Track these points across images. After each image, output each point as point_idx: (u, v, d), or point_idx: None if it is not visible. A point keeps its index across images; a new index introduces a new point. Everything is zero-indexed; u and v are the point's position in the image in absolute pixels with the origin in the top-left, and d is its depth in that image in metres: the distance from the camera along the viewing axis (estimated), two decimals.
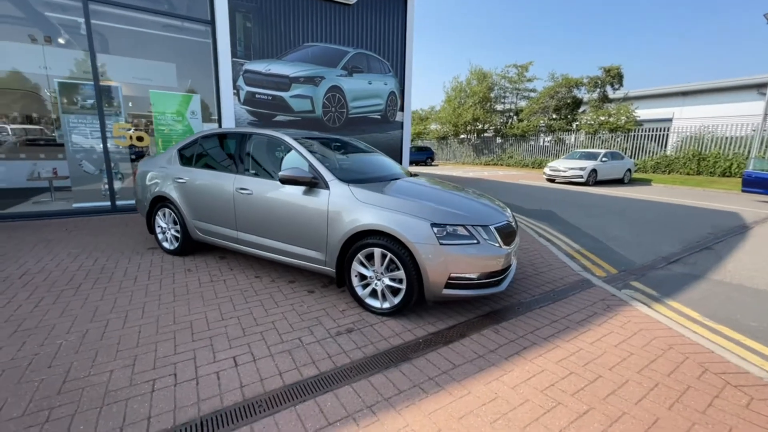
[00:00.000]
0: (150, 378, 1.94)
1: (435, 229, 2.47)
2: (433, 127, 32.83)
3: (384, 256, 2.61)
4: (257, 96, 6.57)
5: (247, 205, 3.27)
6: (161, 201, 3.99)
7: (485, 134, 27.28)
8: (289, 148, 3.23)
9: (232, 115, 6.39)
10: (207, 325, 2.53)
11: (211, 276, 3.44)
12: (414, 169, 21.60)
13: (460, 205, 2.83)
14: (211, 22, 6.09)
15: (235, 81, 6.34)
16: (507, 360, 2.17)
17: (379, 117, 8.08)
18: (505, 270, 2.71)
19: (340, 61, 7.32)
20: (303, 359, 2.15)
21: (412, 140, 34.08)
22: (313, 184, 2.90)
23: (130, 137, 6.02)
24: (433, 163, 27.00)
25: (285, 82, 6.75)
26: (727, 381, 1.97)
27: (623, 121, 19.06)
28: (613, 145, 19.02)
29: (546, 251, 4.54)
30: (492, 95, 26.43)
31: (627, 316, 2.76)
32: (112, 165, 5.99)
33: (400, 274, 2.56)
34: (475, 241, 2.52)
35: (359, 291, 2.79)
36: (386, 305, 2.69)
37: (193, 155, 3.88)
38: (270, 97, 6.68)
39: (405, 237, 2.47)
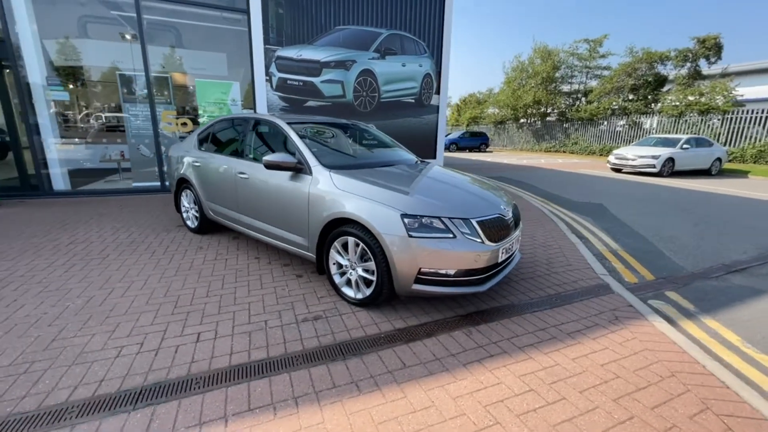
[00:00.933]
0: (120, 345, 2.13)
1: (406, 220, 2.32)
2: (490, 111, 31.00)
3: (357, 245, 2.52)
4: (289, 82, 6.73)
5: (246, 188, 3.38)
6: (184, 182, 4.32)
7: (548, 118, 25.05)
8: (282, 133, 3.25)
9: (264, 102, 6.64)
10: (191, 300, 2.70)
11: (217, 254, 3.66)
12: (465, 155, 20.74)
13: (442, 196, 2.62)
14: (247, 11, 6.32)
15: (267, 68, 6.55)
16: (464, 367, 1.98)
17: (413, 101, 7.80)
18: (489, 268, 2.47)
19: (372, 44, 7.15)
20: (259, 342, 2.19)
21: (467, 125, 32.70)
22: (297, 169, 2.88)
23: (176, 123, 6.59)
24: (487, 150, 25.64)
25: (316, 68, 6.81)
26: (729, 426, 1.57)
27: (720, 101, 16.11)
28: (703, 130, 16.23)
29: (572, 249, 4.06)
30: (557, 75, 24.03)
31: (634, 332, 2.35)
32: (163, 149, 6.63)
33: (372, 265, 2.46)
34: (451, 235, 2.32)
35: (336, 279, 2.76)
36: (359, 296, 2.62)
37: (207, 140, 4.11)
38: (301, 83, 6.80)
39: (373, 227, 2.36)
